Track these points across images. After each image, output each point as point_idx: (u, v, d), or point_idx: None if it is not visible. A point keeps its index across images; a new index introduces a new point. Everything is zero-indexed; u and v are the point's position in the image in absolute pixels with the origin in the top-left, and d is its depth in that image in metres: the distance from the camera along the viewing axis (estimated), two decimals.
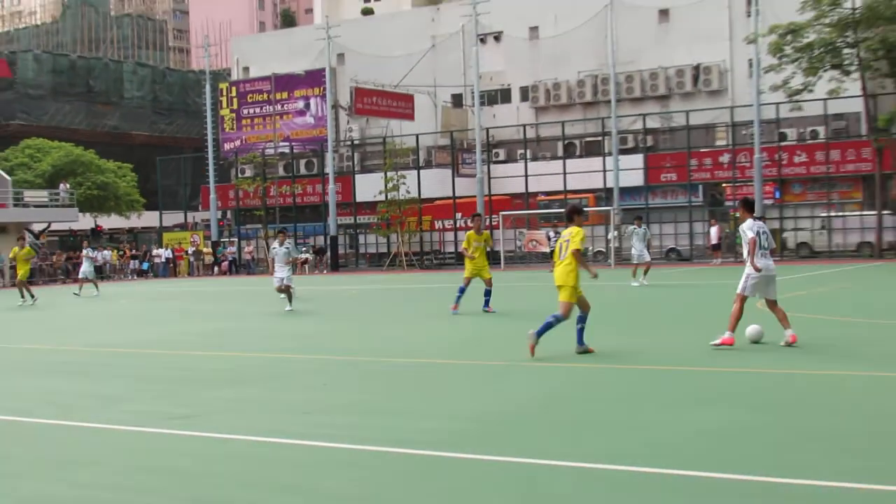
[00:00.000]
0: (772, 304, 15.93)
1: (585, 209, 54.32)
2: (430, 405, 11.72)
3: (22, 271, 37.13)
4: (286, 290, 27.84)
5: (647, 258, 33.43)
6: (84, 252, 43.85)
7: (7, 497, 8.09)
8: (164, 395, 13.23)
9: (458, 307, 23.65)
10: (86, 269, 42.27)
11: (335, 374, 14.62)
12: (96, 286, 41.85)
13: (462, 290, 23.94)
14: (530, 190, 59.12)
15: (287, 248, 29.22)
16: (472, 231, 24.19)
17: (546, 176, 59.36)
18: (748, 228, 15.67)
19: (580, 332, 15.54)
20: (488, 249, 24.88)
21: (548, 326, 15.23)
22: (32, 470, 9.06)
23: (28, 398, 13.30)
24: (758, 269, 15.58)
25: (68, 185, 65.61)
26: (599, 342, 16.91)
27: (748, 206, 16.19)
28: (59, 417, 11.66)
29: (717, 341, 15.36)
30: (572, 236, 15.45)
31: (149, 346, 19.34)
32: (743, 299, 15.82)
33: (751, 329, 16.19)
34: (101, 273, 61.02)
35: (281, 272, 27.94)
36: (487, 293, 23.79)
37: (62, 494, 8.18)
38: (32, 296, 36.25)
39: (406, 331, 21.14)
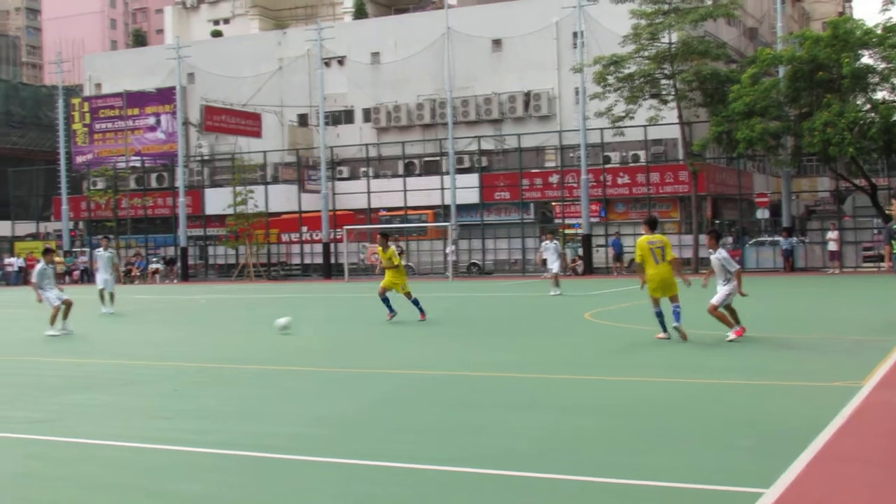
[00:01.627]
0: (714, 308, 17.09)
1: (426, 224, 55.17)
2: (273, 410, 11.57)
3: None
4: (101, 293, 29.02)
5: (556, 270, 33.71)
6: None
7: None
8: (14, 399, 12.78)
9: (391, 316, 23.11)
10: None
11: (185, 381, 14.30)
12: None
13: (384, 300, 23.44)
14: (372, 206, 59.05)
15: (110, 253, 29.61)
16: (380, 248, 24.03)
17: (387, 193, 59.44)
18: (721, 257, 17.05)
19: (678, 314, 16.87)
20: (407, 265, 24.82)
21: (678, 315, 16.80)
22: None
23: None
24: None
25: None
26: (441, 350, 17.01)
27: (715, 235, 17.58)
28: None
29: (731, 336, 16.76)
30: (665, 244, 17.31)
31: None
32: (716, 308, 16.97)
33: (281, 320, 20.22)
34: None
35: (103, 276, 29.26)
36: (415, 302, 23.45)
37: None
38: None
39: (252, 338, 20.80)
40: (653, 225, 17.78)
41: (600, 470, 8.00)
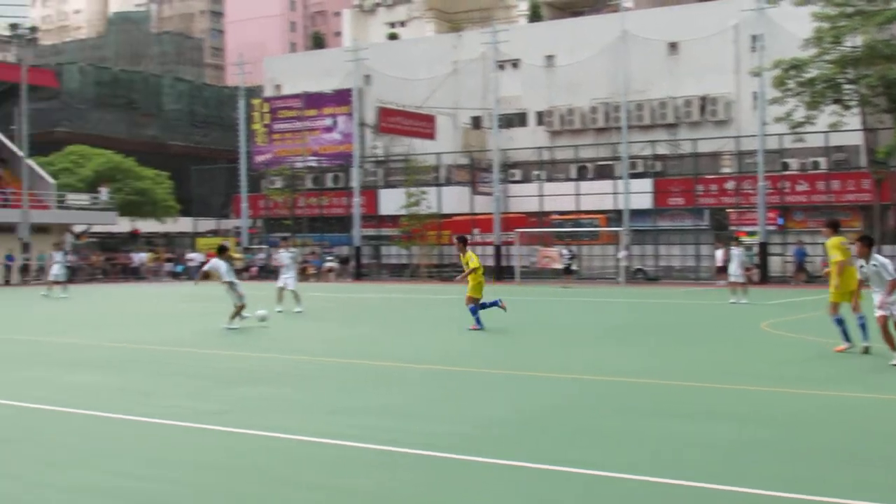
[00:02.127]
0: None
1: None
2: (443, 410, 11.66)
3: None
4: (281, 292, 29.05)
5: (740, 279, 33.02)
6: (55, 255, 42.67)
7: (55, 485, 8.13)
8: (193, 391, 13.22)
9: (476, 327, 21.83)
10: (57, 271, 40.70)
11: (358, 378, 14.48)
12: (65, 288, 40.14)
13: (471, 310, 22.28)
14: (544, 209, 59.05)
15: (291, 254, 29.84)
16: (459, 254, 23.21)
17: (559, 196, 59.21)
18: (880, 263, 15.65)
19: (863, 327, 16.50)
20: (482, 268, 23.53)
21: (864, 327, 16.41)
22: (78, 459, 9.09)
23: (68, 390, 13.28)
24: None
25: (108, 189, 65.50)
26: (612, 355, 16.88)
27: (867, 242, 16.26)
28: (99, 409, 11.63)
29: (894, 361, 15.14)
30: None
31: (178, 344, 19.31)
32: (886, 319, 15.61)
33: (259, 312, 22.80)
34: (137, 274, 61.20)
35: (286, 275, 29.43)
36: (472, 311, 22.23)
37: (106, 483, 8.17)
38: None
39: (425, 338, 20.97)
40: (836, 227, 17.53)
41: (775, 483, 7.84)
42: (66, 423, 11.02)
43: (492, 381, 14.12)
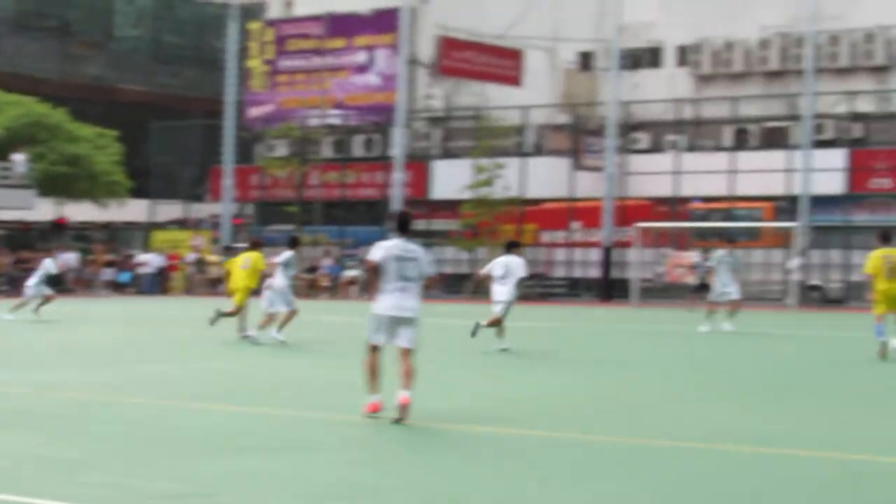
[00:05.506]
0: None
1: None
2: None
3: None
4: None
5: None
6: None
7: None
8: (144, 462, 12.92)
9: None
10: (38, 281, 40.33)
11: (377, 445, 14.34)
12: (25, 305, 39.70)
13: None
14: (682, 193, 58.93)
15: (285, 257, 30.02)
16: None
17: (706, 174, 58.80)
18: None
19: None
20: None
21: None
22: None
23: None
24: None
25: (25, 156, 65.29)
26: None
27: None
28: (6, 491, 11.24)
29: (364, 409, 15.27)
30: None
31: (119, 391, 19.29)
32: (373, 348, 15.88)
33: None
34: (60, 285, 61.22)
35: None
36: None
37: None
38: None
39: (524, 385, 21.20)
40: None
41: None
42: None
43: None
